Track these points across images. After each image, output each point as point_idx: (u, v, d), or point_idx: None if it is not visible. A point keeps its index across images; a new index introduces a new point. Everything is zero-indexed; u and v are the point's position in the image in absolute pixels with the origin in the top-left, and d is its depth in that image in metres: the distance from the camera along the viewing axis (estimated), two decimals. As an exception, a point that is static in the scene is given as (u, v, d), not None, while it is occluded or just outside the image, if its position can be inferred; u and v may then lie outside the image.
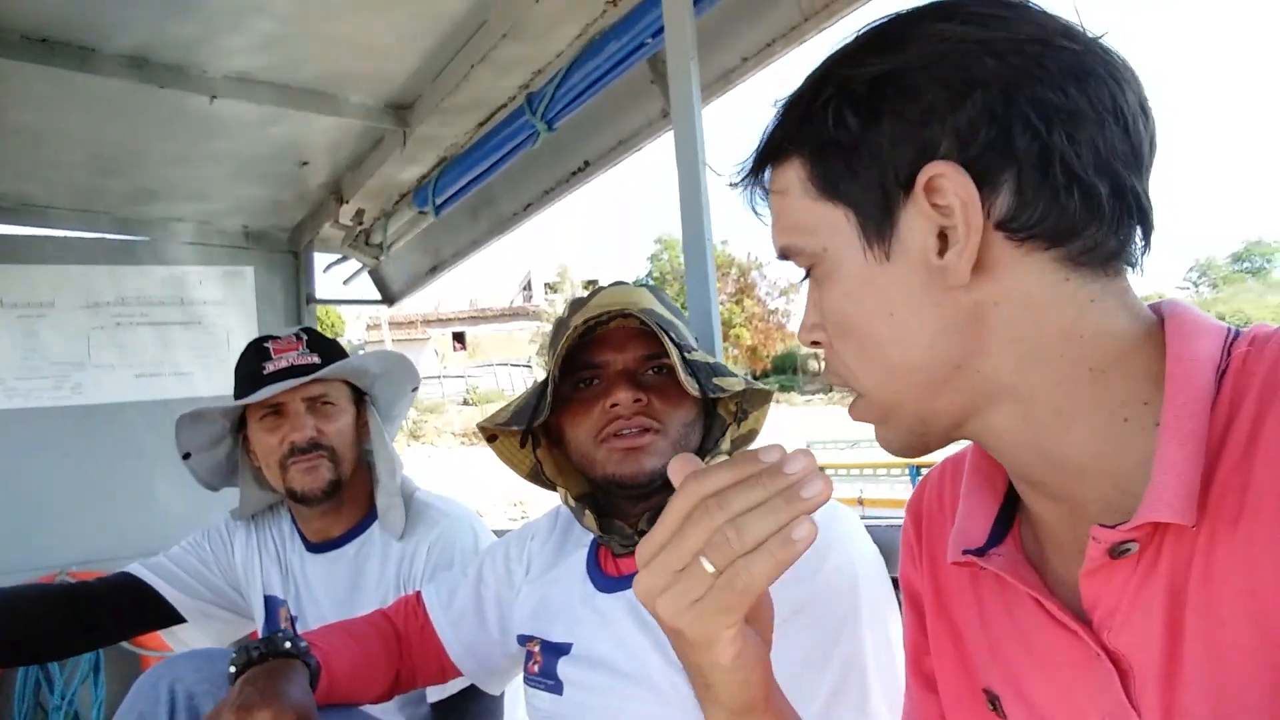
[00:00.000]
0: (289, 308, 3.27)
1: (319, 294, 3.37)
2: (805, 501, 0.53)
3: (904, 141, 0.58)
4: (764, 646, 0.63)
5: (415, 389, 1.70)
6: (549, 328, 1.27)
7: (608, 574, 1.18)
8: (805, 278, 0.68)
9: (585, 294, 1.27)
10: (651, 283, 1.29)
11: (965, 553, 0.67)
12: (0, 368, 2.76)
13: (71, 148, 2.42)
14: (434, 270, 3.36)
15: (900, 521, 0.85)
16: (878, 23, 0.63)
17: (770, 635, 0.65)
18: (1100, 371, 0.58)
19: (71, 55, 1.95)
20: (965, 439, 0.66)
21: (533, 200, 2.77)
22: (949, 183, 0.57)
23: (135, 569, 1.60)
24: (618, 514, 1.19)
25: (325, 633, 1.26)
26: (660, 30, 1.72)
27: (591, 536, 1.23)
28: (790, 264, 0.68)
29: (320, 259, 3.39)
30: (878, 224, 0.60)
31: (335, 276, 3.47)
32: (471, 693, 1.41)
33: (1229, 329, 0.59)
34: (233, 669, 1.10)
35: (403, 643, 1.34)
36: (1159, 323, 0.60)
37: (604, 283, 1.32)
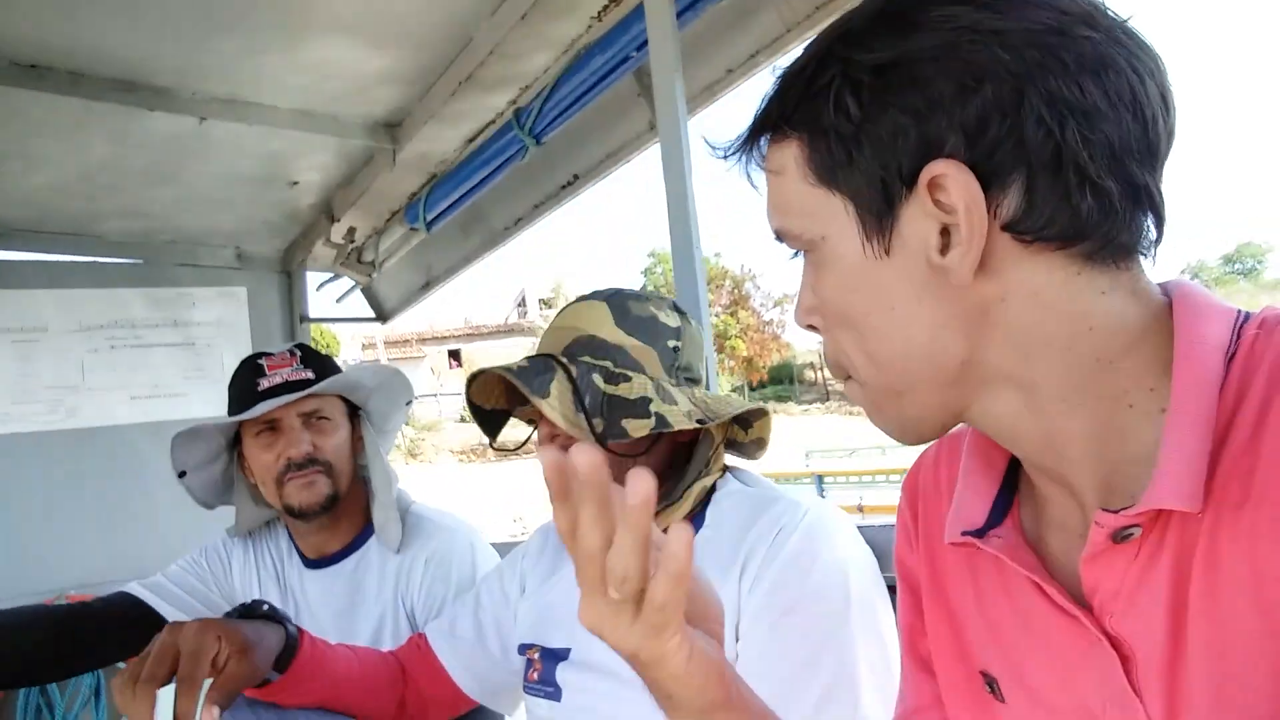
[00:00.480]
0: (283, 327, 3.28)
1: (312, 313, 3.38)
2: (635, 508, 0.52)
3: (907, 135, 0.56)
4: (716, 646, 0.64)
5: (409, 403, 1.70)
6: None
7: None
8: (795, 255, 0.66)
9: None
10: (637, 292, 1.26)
11: (964, 534, 0.66)
12: (-6, 393, 2.76)
13: (62, 172, 2.43)
14: (426, 286, 3.37)
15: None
16: None
17: (721, 631, 0.65)
18: (1107, 361, 0.57)
19: (61, 80, 1.96)
20: (965, 423, 0.65)
21: (523, 214, 2.78)
22: (952, 184, 0.55)
23: (133, 589, 1.60)
24: None
25: (326, 641, 1.28)
26: (645, 43, 1.73)
27: None
28: (784, 243, 0.66)
29: (313, 278, 3.39)
30: (878, 217, 0.58)
31: (328, 295, 3.48)
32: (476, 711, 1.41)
33: (1238, 311, 0.58)
34: None
35: (407, 672, 1.34)
36: (1168, 305, 0.58)
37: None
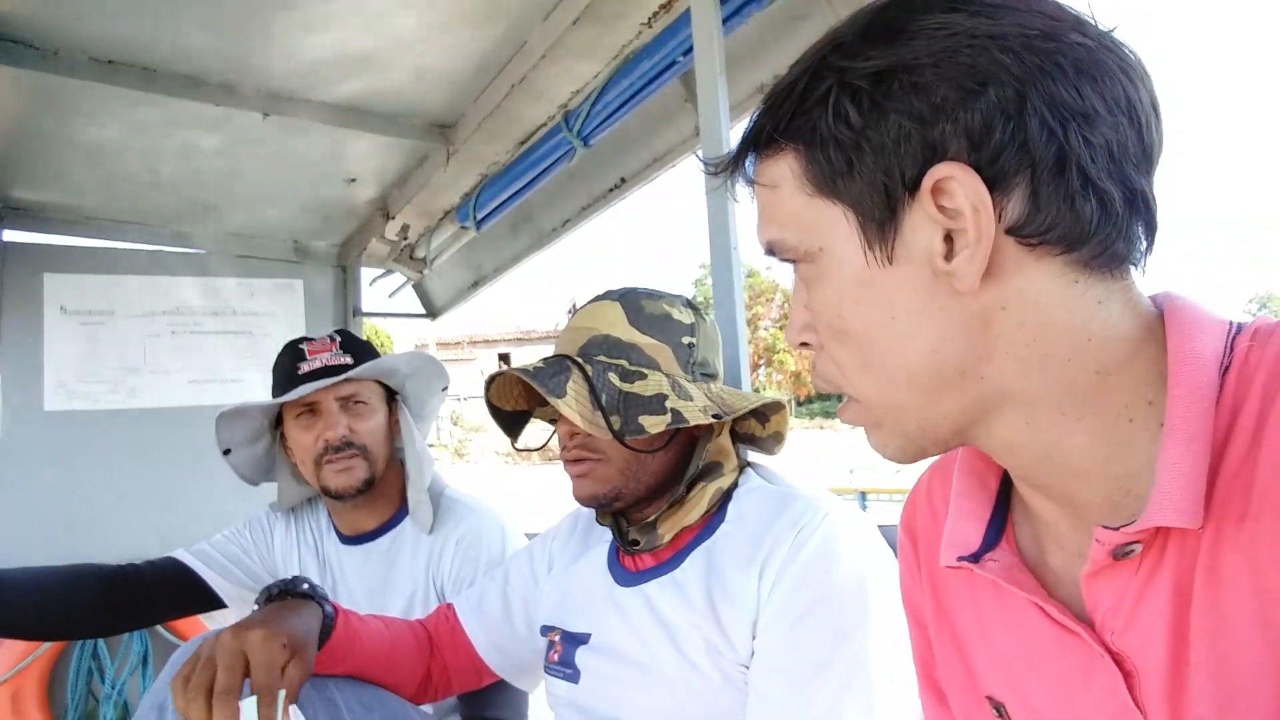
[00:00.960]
0: (337, 320, 3.36)
1: (365, 307, 3.46)
2: None
3: (910, 140, 0.55)
4: None
5: (445, 388, 1.75)
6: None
7: (626, 568, 1.22)
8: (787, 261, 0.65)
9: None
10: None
11: (960, 559, 0.66)
12: (62, 371, 2.88)
13: (131, 163, 2.52)
14: (476, 285, 3.43)
15: None
16: (873, 10, 0.58)
17: None
18: (1105, 374, 0.56)
19: (134, 76, 2.05)
20: (965, 444, 0.64)
21: (571, 216, 2.82)
22: (959, 185, 0.54)
23: (180, 554, 1.67)
24: (626, 517, 1.23)
25: (359, 614, 1.32)
26: (691, 49, 1.73)
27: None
28: (775, 259, 0.65)
29: (366, 273, 3.48)
30: (879, 225, 0.57)
31: (381, 290, 3.56)
32: (498, 684, 1.45)
33: (1230, 323, 0.57)
34: (255, 605, 1.18)
35: (434, 642, 1.38)
36: (1160, 318, 0.58)
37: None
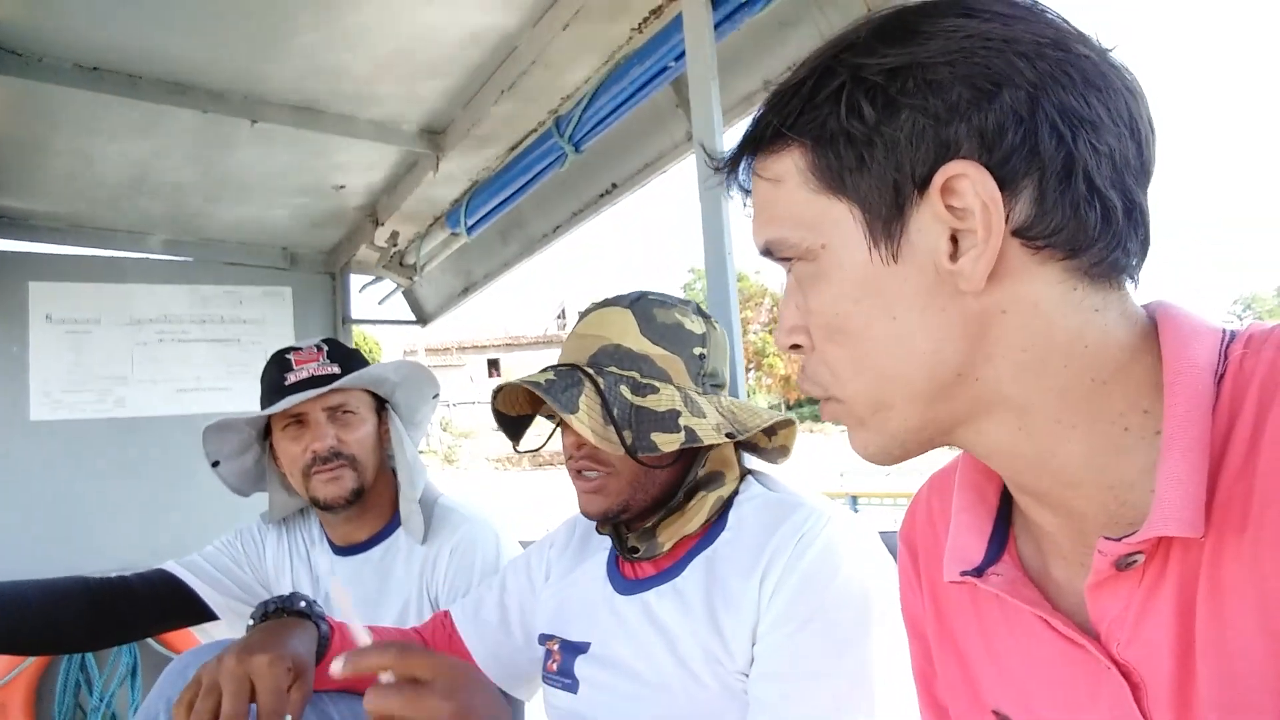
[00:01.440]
0: (326, 327, 3.35)
1: (355, 314, 3.45)
2: None
3: (924, 137, 0.55)
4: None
5: (436, 396, 1.73)
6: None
7: (625, 576, 1.21)
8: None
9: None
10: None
11: (963, 574, 0.66)
12: (48, 380, 2.86)
13: (118, 170, 2.51)
14: (466, 291, 3.43)
15: None
16: (887, 13, 0.59)
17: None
18: (1101, 381, 0.56)
19: (119, 82, 2.04)
20: (953, 446, 0.64)
21: (562, 222, 2.82)
22: (970, 184, 0.54)
23: (170, 566, 1.64)
24: (626, 524, 1.22)
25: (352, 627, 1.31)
26: (683, 54, 1.73)
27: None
28: (771, 259, 0.64)
29: (356, 280, 3.47)
30: (886, 223, 0.57)
31: (371, 297, 3.57)
32: None
33: (1223, 330, 0.58)
34: (251, 621, 1.17)
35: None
36: (1153, 326, 0.58)
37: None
